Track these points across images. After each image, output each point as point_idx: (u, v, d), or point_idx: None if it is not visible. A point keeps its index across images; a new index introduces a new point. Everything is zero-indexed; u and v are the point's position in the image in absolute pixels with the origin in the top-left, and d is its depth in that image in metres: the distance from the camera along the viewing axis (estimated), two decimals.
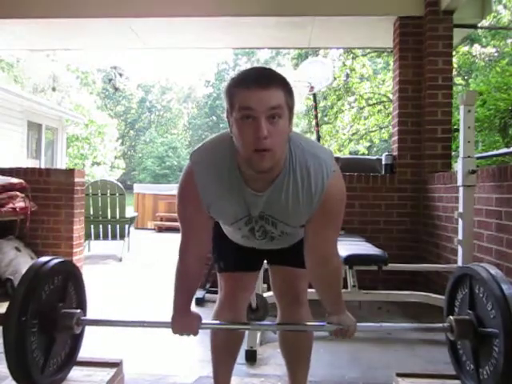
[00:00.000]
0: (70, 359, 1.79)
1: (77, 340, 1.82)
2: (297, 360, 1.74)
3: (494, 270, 1.55)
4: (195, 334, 1.52)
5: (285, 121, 1.23)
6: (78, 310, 1.70)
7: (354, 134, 15.70)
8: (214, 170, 1.34)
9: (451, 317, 1.65)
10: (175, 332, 1.51)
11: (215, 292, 2.90)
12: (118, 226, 5.81)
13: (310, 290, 1.68)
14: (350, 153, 15.53)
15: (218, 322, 1.67)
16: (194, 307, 1.58)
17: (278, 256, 1.66)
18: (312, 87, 5.17)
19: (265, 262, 1.76)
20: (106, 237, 5.80)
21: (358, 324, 1.54)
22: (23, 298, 1.52)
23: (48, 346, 1.63)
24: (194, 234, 1.44)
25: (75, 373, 1.83)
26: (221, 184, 1.34)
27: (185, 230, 1.45)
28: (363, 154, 16.10)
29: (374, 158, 4.54)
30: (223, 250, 1.69)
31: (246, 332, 2.06)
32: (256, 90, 1.19)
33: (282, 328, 1.74)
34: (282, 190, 1.33)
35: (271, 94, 1.20)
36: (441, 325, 1.69)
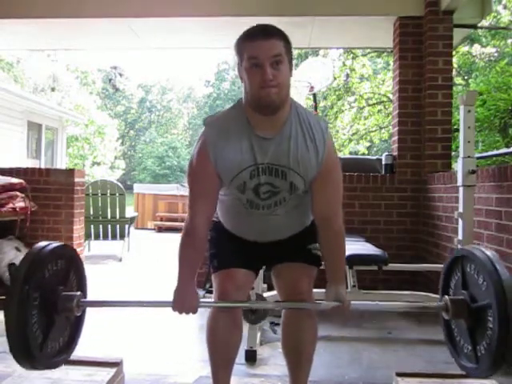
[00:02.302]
0: (70, 345, 1.77)
1: (77, 325, 1.79)
2: (299, 361, 1.73)
3: (486, 250, 1.60)
4: (194, 312, 1.54)
5: (285, 66, 1.44)
6: (79, 293, 1.69)
7: (354, 134, 15.67)
8: (223, 123, 1.52)
9: (446, 296, 1.69)
10: (175, 309, 1.54)
11: None
12: (118, 225, 5.81)
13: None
14: (350, 153, 15.50)
15: (215, 302, 1.65)
16: None
17: (277, 254, 1.67)
18: (312, 87, 5.17)
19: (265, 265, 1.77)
20: (106, 237, 5.80)
21: (355, 302, 1.59)
22: (28, 269, 1.53)
23: (48, 326, 1.61)
24: (202, 192, 1.53)
25: (75, 373, 1.83)
26: (228, 131, 1.49)
27: (193, 189, 1.55)
28: (363, 154, 16.08)
29: (374, 157, 4.54)
30: (221, 247, 1.70)
31: (245, 334, 2.05)
32: (260, 41, 1.41)
33: (282, 306, 1.74)
34: (290, 136, 1.49)
35: (273, 43, 1.41)
36: (436, 303, 1.73)
